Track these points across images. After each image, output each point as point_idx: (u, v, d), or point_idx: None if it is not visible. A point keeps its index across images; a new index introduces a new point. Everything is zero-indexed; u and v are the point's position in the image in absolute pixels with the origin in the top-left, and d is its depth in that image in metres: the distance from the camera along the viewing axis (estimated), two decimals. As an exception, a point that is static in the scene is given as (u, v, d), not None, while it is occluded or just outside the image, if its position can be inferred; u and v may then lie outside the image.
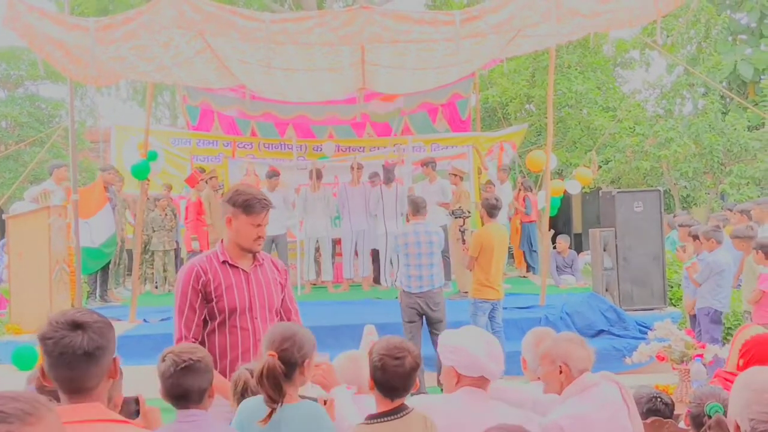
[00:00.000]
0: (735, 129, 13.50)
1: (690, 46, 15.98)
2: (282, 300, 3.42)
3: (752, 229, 7.26)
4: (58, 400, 1.90)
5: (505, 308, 7.32)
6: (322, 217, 10.33)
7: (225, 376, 3.10)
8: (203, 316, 3.21)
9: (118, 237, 9.95)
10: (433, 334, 6.59)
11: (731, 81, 17.60)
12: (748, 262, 6.72)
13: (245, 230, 3.24)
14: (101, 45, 6.03)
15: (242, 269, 3.28)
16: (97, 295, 9.86)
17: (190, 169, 11.58)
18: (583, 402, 2.92)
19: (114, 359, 1.95)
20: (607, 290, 8.40)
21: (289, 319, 3.39)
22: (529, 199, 11.36)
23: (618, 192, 8.75)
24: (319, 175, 10.28)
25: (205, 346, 3.05)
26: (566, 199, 14.70)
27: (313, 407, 2.61)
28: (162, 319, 8.30)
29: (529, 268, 11.55)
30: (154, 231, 10.76)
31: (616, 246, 8.43)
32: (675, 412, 3.60)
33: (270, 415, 2.48)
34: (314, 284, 10.58)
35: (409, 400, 2.74)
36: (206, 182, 10.66)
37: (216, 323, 3.22)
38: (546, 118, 10.09)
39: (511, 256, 11.81)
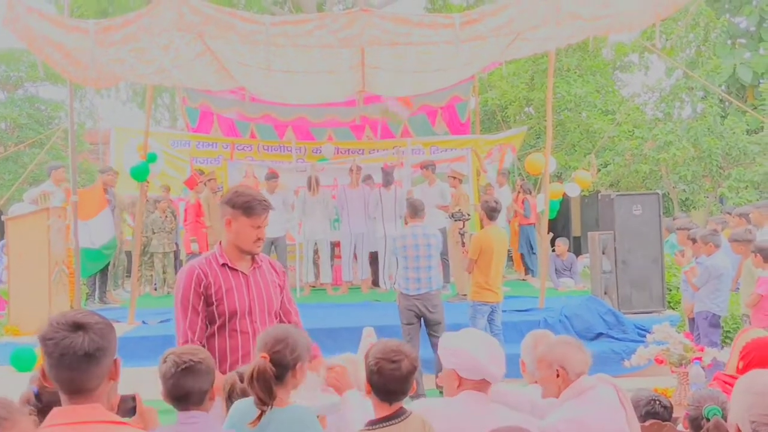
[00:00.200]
0: (734, 133, 13.52)
1: (689, 50, 16.00)
2: (281, 302, 3.41)
3: (751, 232, 7.27)
4: (59, 400, 1.91)
5: (504, 311, 7.31)
6: (321, 220, 10.33)
7: None
8: (205, 319, 3.20)
9: (117, 239, 9.95)
10: (432, 336, 6.60)
11: (730, 85, 17.62)
12: (746, 266, 6.72)
13: (245, 232, 3.22)
14: (101, 47, 6.04)
15: (241, 272, 3.26)
16: (96, 296, 9.86)
17: (189, 171, 11.59)
18: (581, 405, 2.92)
19: (115, 361, 1.95)
20: (605, 293, 8.41)
21: (289, 321, 3.39)
22: (527, 201, 11.37)
23: (617, 195, 8.75)
24: (317, 182, 10.30)
25: None
26: (565, 202, 14.72)
27: (302, 412, 2.59)
28: (161, 321, 8.29)
29: (527, 270, 11.56)
30: (154, 233, 10.75)
31: (615, 249, 8.44)
32: (674, 415, 3.61)
33: (260, 416, 2.47)
34: (313, 286, 10.58)
35: (410, 405, 2.72)
36: (205, 184, 10.65)
37: (216, 327, 3.19)
38: (545, 121, 10.09)
39: (510, 259, 11.81)
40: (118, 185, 10.34)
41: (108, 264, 9.87)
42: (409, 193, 10.08)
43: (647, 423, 3.42)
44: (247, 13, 7.26)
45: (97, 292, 9.87)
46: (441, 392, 3.21)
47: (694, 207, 15.53)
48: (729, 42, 18.37)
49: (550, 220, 9.65)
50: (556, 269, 10.71)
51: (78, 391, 1.88)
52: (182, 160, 11.97)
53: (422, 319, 6.65)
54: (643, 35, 13.17)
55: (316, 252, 10.58)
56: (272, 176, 10.16)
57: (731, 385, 2.46)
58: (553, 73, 9.03)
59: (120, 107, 41.50)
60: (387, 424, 2.59)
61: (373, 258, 10.65)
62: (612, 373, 3.46)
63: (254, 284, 3.28)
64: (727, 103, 15.44)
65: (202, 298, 3.17)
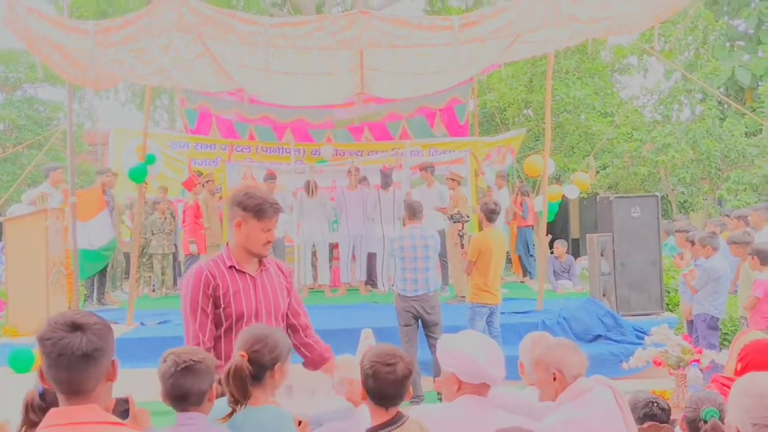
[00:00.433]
0: (732, 135, 13.53)
1: (688, 52, 16.00)
2: (289, 303, 3.40)
3: (749, 234, 7.27)
4: (56, 401, 1.91)
5: (503, 313, 7.31)
6: (319, 221, 10.34)
7: None
8: (213, 321, 3.17)
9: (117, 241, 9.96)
10: (429, 338, 6.60)
11: (729, 87, 17.63)
12: (744, 268, 6.73)
13: (255, 235, 3.18)
14: (100, 48, 6.04)
15: (249, 274, 3.23)
16: (94, 298, 9.86)
17: (187, 172, 11.59)
18: (578, 408, 2.91)
19: (113, 362, 1.94)
20: (604, 295, 8.41)
21: (298, 322, 3.43)
22: (526, 203, 11.37)
23: (615, 197, 8.76)
24: (315, 186, 10.30)
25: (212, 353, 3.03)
26: (564, 205, 14.71)
27: (277, 413, 2.57)
28: (159, 323, 8.28)
29: (525, 272, 11.56)
30: (153, 234, 10.74)
31: (614, 251, 8.44)
32: (671, 417, 3.61)
33: (230, 414, 2.46)
34: (311, 288, 10.57)
35: (410, 411, 2.70)
36: (203, 186, 10.65)
37: (222, 330, 3.16)
38: (544, 123, 10.10)
39: (508, 261, 11.81)
40: (117, 186, 10.34)
41: (107, 265, 9.87)
42: (407, 195, 10.08)
43: (645, 425, 3.42)
44: (246, 14, 7.28)
45: (95, 294, 9.87)
46: (439, 396, 3.20)
47: (692, 209, 15.53)
48: (728, 44, 18.38)
49: (548, 222, 9.66)
50: (554, 271, 10.72)
51: (75, 391, 1.88)
52: (181, 161, 11.97)
53: (420, 320, 6.65)
54: (641, 38, 13.20)
55: (314, 254, 10.58)
56: (270, 177, 10.16)
57: (729, 387, 2.46)
58: (552, 76, 9.04)
59: (119, 108, 41.40)
60: (384, 430, 2.57)
61: (371, 259, 10.65)
62: (610, 375, 3.46)
63: (261, 287, 3.25)
64: (725, 106, 15.44)
65: (211, 299, 3.14)
